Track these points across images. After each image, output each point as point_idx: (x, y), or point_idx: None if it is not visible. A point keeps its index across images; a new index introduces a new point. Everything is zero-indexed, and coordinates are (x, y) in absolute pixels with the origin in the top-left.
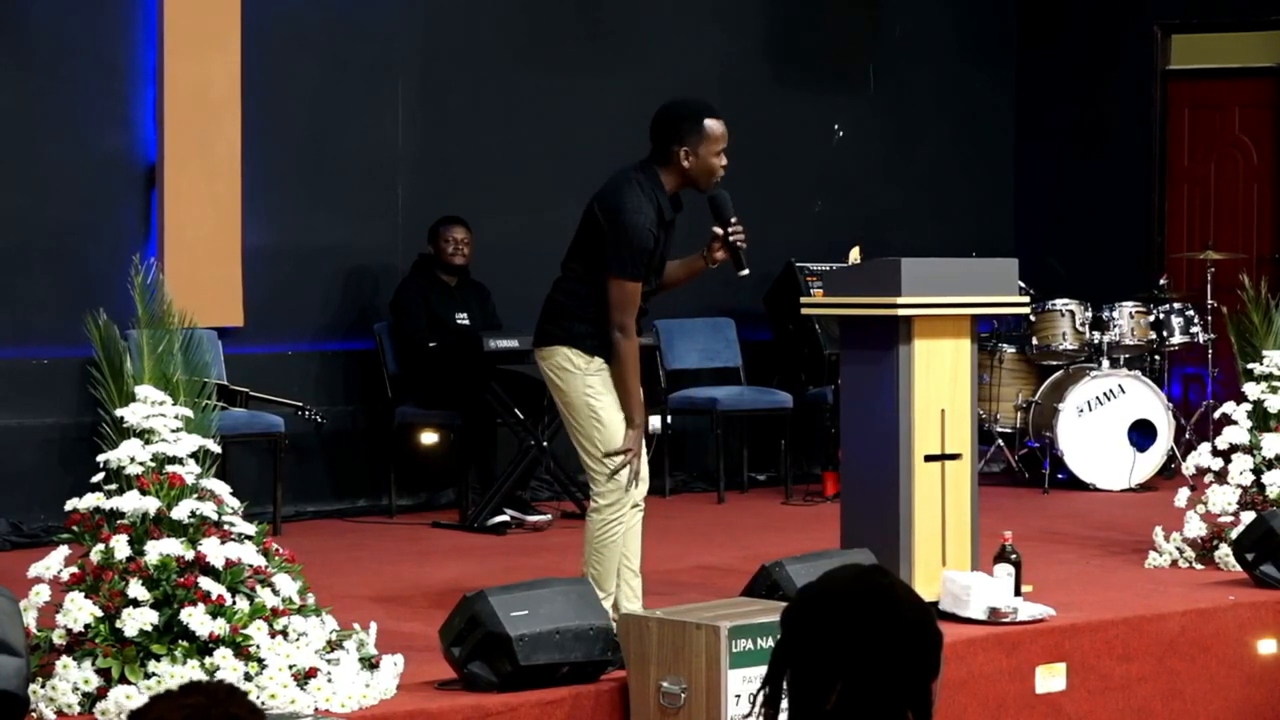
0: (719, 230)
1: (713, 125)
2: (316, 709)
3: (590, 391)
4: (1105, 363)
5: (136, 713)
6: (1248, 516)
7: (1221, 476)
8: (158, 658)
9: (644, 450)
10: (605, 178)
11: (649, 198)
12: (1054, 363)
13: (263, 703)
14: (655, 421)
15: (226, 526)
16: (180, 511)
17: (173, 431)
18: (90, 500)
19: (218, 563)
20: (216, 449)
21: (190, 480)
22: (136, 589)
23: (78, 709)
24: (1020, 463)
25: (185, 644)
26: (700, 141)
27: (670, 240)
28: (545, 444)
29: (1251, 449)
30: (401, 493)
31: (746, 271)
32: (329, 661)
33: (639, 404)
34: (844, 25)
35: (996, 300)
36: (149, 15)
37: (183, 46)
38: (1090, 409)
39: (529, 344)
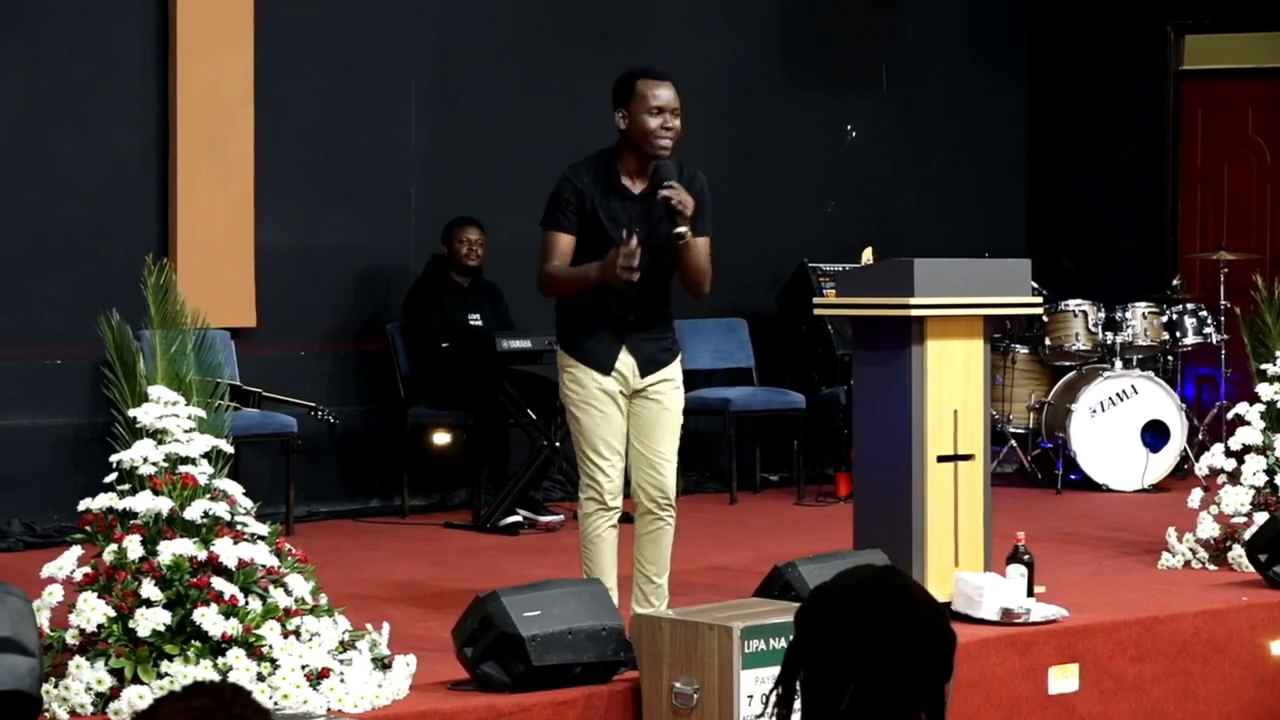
0: (664, 193)
1: (643, 84)
2: (329, 709)
3: (566, 388)
4: (1118, 363)
5: (142, 715)
6: (1261, 517)
7: (1234, 477)
8: (170, 658)
9: (663, 454)
10: None
11: (590, 163)
12: (1067, 363)
13: (275, 703)
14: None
15: (239, 527)
16: (193, 512)
17: (185, 432)
18: (103, 500)
19: (230, 563)
20: (229, 449)
21: (203, 480)
22: (149, 589)
23: (90, 709)
24: (1033, 463)
25: (198, 644)
26: (631, 100)
27: (639, 220)
28: (558, 444)
29: (1265, 450)
30: (414, 493)
31: (681, 230)
32: (342, 662)
33: (592, 267)
34: (857, 25)
35: (1009, 301)
36: (161, 15)
37: (195, 47)
38: (1103, 409)
39: (542, 345)
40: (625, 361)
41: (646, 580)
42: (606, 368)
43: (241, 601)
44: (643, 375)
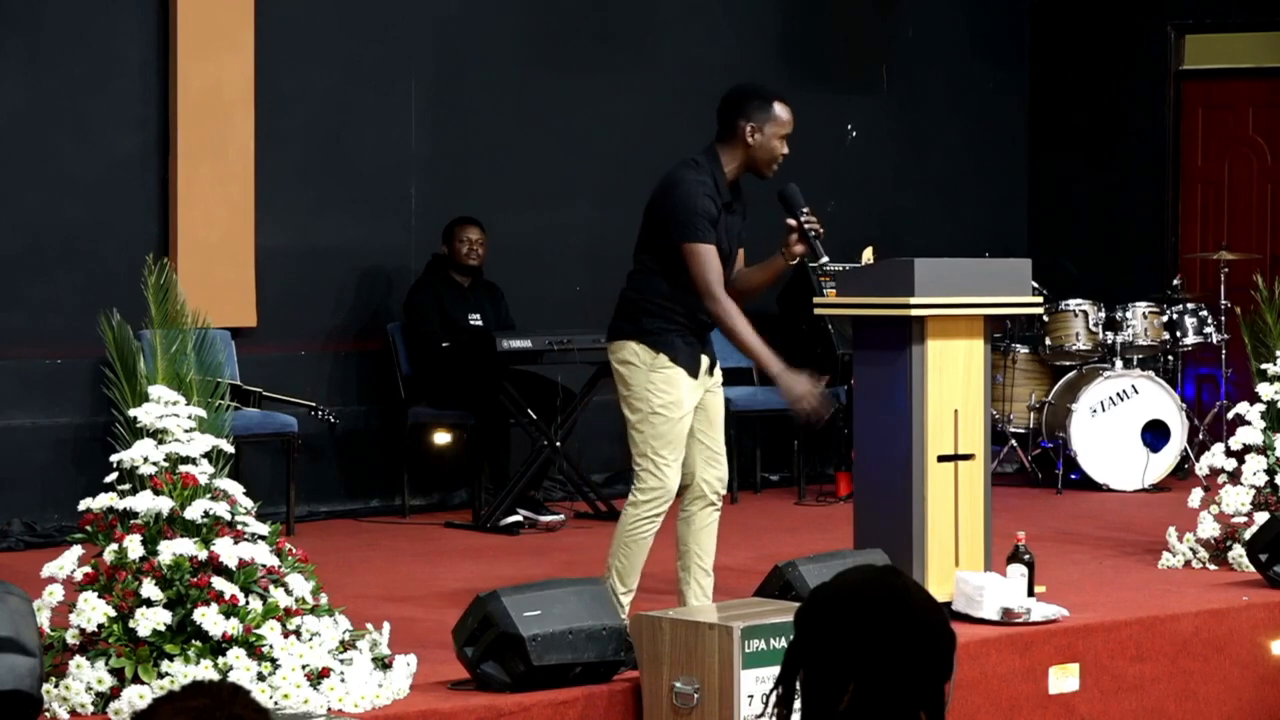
0: (793, 222)
1: (781, 108)
2: (329, 709)
3: (652, 388)
4: (1118, 363)
5: (141, 715)
6: (1261, 517)
7: (1235, 477)
8: (171, 657)
9: (721, 448)
10: (618, 178)
11: (704, 171)
12: (1067, 363)
13: (275, 703)
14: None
15: (240, 526)
16: (193, 511)
17: (186, 432)
18: (104, 500)
19: (231, 563)
20: (230, 449)
21: (203, 480)
22: (150, 589)
23: (91, 709)
24: (1033, 463)
25: (198, 644)
26: (767, 120)
27: (736, 232)
28: (558, 444)
29: (1265, 449)
30: (414, 493)
31: (826, 260)
32: (342, 661)
33: (767, 353)
34: (857, 25)
35: (1010, 300)
36: (161, 15)
37: (196, 47)
38: (1103, 409)
39: (543, 344)
40: (704, 363)
41: (704, 573)
42: (697, 371)
43: (242, 601)
44: (710, 373)
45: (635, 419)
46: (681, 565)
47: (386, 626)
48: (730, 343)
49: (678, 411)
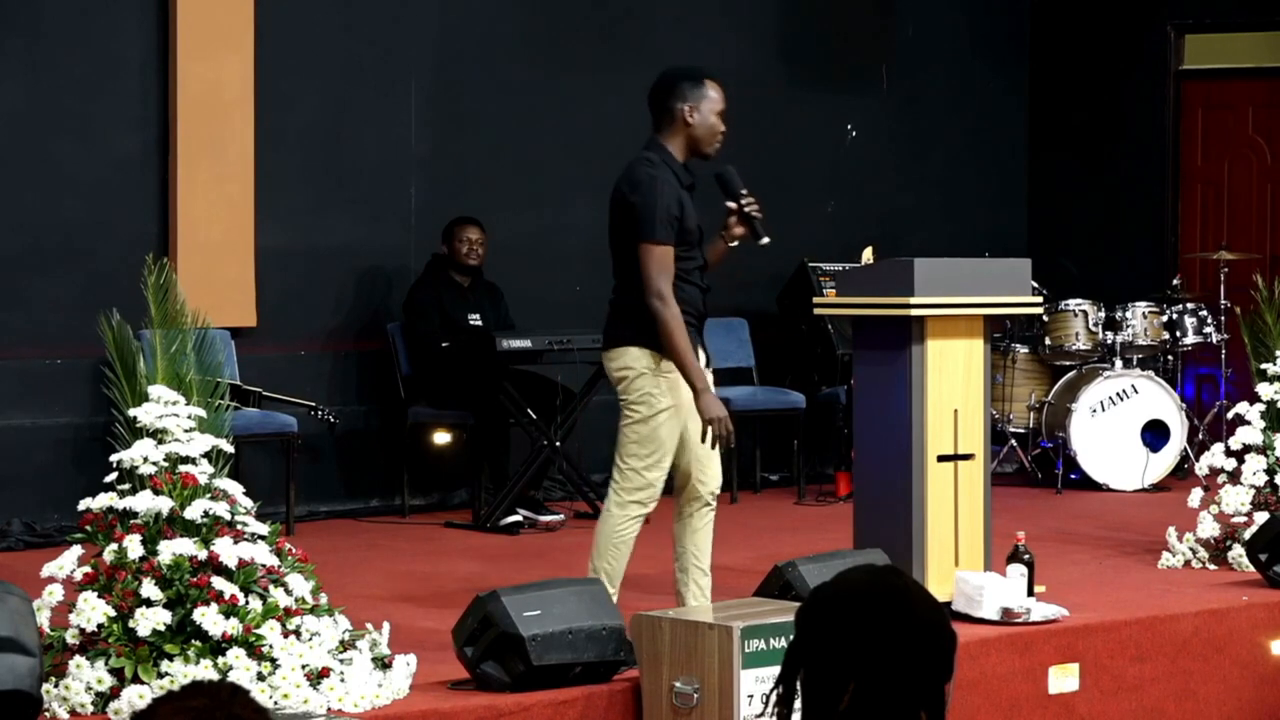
0: (732, 205)
1: (711, 85)
2: (329, 709)
3: (657, 392)
4: (1118, 363)
5: (140, 715)
6: (1261, 517)
7: (1235, 477)
8: (171, 657)
9: (716, 447)
10: (617, 176)
11: (661, 166)
12: (1067, 363)
13: (275, 703)
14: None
15: (239, 526)
16: (193, 511)
17: (186, 431)
18: (103, 500)
19: (231, 562)
20: (229, 449)
21: (203, 480)
22: (149, 589)
23: (90, 708)
24: (1033, 463)
25: (198, 644)
26: (702, 98)
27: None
28: (558, 444)
29: (1265, 449)
30: (414, 493)
31: (767, 240)
32: (342, 661)
33: (698, 370)
34: (857, 25)
35: (1009, 300)
36: (161, 15)
37: (195, 46)
38: (1103, 409)
39: (542, 344)
40: (702, 358)
41: (703, 574)
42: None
43: (242, 601)
44: (706, 368)
45: (633, 421)
46: (679, 566)
47: (386, 626)
48: (663, 346)
49: (679, 414)
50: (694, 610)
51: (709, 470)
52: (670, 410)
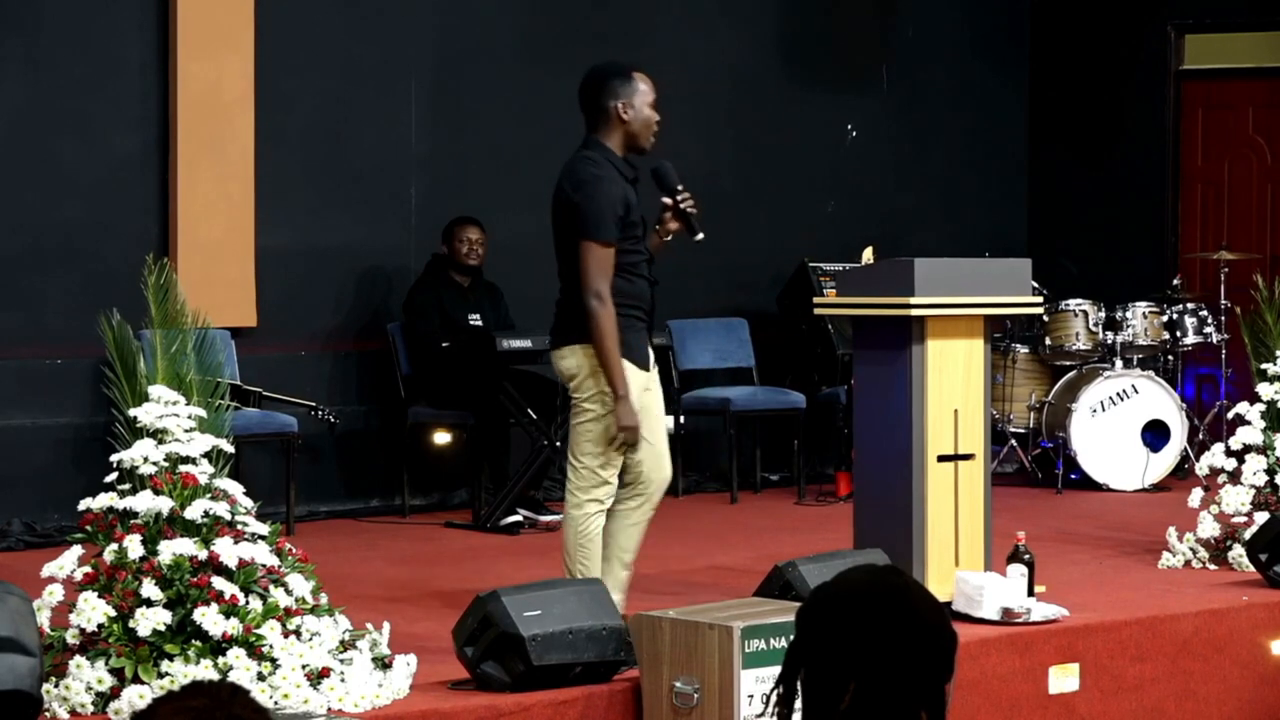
0: (668, 200)
1: (640, 77)
2: (329, 709)
3: (605, 390)
4: (1118, 363)
5: (140, 715)
6: (1261, 517)
7: (1235, 477)
8: (171, 657)
9: (665, 447)
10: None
11: (604, 165)
12: (1067, 363)
13: (275, 703)
14: (668, 421)
15: (240, 526)
16: (193, 511)
17: (186, 431)
18: (103, 500)
19: (231, 562)
20: (230, 449)
21: (203, 480)
22: (150, 589)
23: (91, 708)
24: (1033, 463)
25: (198, 644)
26: (634, 93)
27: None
28: (558, 444)
29: (1265, 449)
30: (414, 493)
31: (701, 236)
32: (342, 661)
33: (621, 375)
34: (857, 25)
35: (1010, 300)
36: (162, 15)
37: (196, 46)
38: (1103, 409)
39: (542, 344)
40: (650, 354)
41: (625, 567)
42: (647, 363)
43: (242, 601)
44: (651, 367)
45: (587, 419)
46: (603, 556)
47: (386, 626)
48: (593, 348)
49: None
50: (694, 610)
51: (660, 472)
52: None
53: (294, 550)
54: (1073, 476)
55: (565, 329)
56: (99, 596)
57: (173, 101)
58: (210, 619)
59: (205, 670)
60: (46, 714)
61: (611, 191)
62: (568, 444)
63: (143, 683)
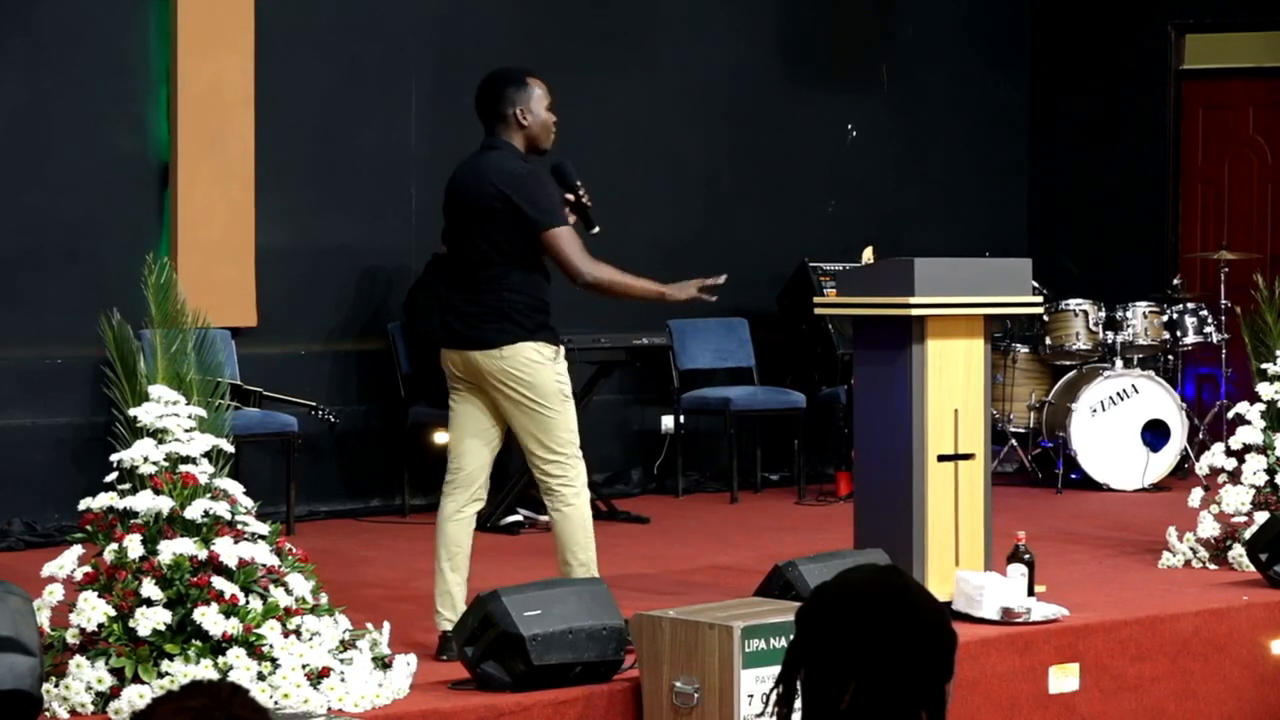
0: (570, 196)
1: (534, 81)
2: (329, 708)
3: (559, 379)
4: (1119, 363)
5: (140, 715)
6: (1261, 516)
7: (1235, 477)
8: (171, 657)
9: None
10: (618, 178)
11: (524, 158)
12: (1067, 363)
13: (275, 702)
14: (668, 421)
15: (240, 526)
16: (193, 511)
17: (186, 431)
18: (103, 500)
19: (231, 562)
20: (230, 449)
21: (203, 480)
22: (150, 588)
23: (91, 708)
24: (1033, 463)
25: (198, 643)
26: (530, 98)
27: None
28: None
29: (1265, 449)
30: (415, 492)
31: (597, 230)
32: (342, 661)
33: (654, 286)
34: (857, 25)
35: (1010, 300)
36: (162, 14)
37: (196, 46)
38: (1103, 409)
39: None
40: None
41: (467, 570)
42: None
43: (242, 601)
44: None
45: (547, 414)
46: (452, 566)
47: (386, 626)
48: (628, 298)
49: (571, 396)
50: (694, 610)
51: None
52: (569, 393)
53: (294, 550)
54: (1073, 476)
55: (499, 327)
56: (99, 596)
57: (173, 101)
58: (210, 619)
59: (205, 670)
60: (46, 714)
61: (548, 180)
62: (534, 448)
63: (143, 682)
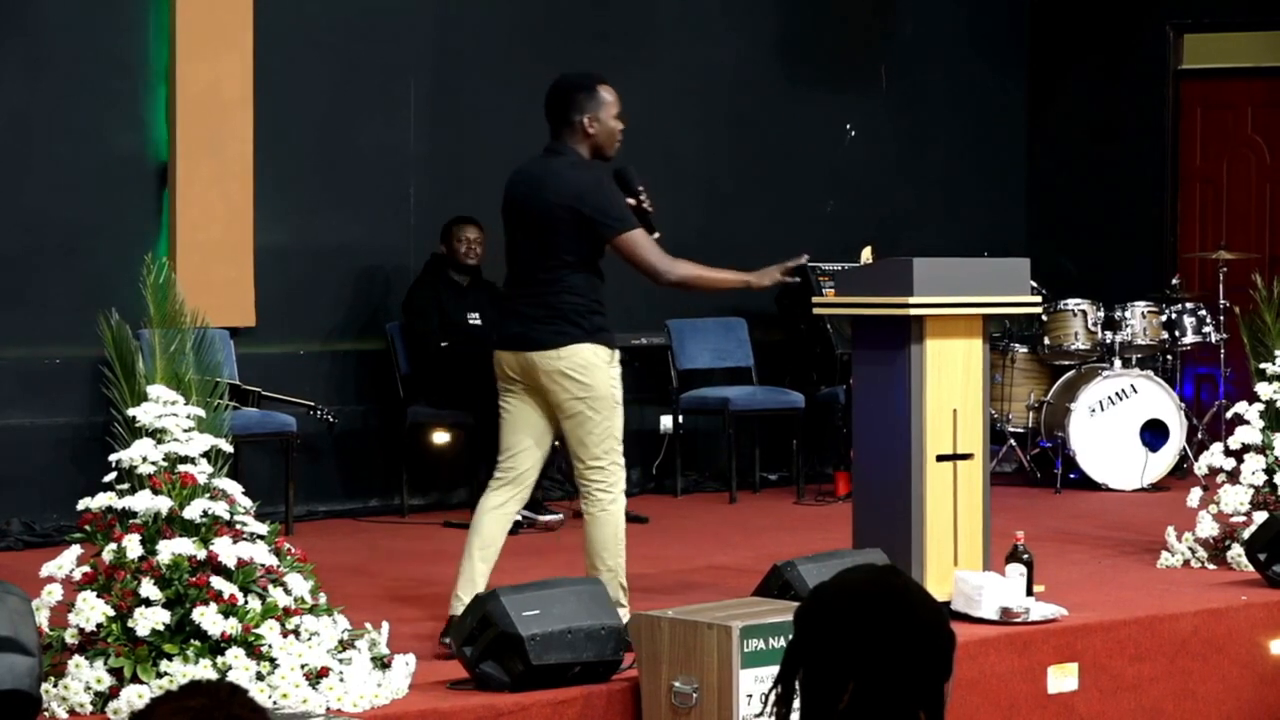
0: (631, 201)
1: (605, 90)
2: (328, 708)
3: (613, 383)
4: (1117, 362)
5: (139, 715)
6: (1260, 516)
7: (1234, 476)
8: (170, 657)
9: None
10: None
11: (589, 165)
12: (1066, 362)
13: (274, 702)
14: (667, 421)
15: (239, 526)
16: (192, 511)
17: (185, 431)
18: (102, 500)
19: (230, 562)
20: (229, 449)
21: (202, 480)
22: (148, 588)
23: (90, 708)
24: (1032, 463)
25: (197, 643)
26: (600, 107)
27: None
28: (557, 444)
29: (1264, 449)
30: (413, 492)
31: (657, 235)
32: (341, 661)
33: (738, 275)
34: (856, 25)
35: (1009, 300)
36: (161, 14)
37: (195, 46)
38: (1102, 409)
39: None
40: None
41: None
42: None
43: (241, 601)
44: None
45: (596, 418)
46: (483, 556)
47: (385, 626)
48: (713, 291)
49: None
50: (693, 610)
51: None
52: (620, 399)
53: (293, 550)
54: (1071, 476)
55: (559, 329)
56: (98, 596)
57: (172, 101)
58: (209, 619)
59: (204, 670)
60: (45, 714)
61: (608, 183)
62: (578, 449)
63: (141, 682)
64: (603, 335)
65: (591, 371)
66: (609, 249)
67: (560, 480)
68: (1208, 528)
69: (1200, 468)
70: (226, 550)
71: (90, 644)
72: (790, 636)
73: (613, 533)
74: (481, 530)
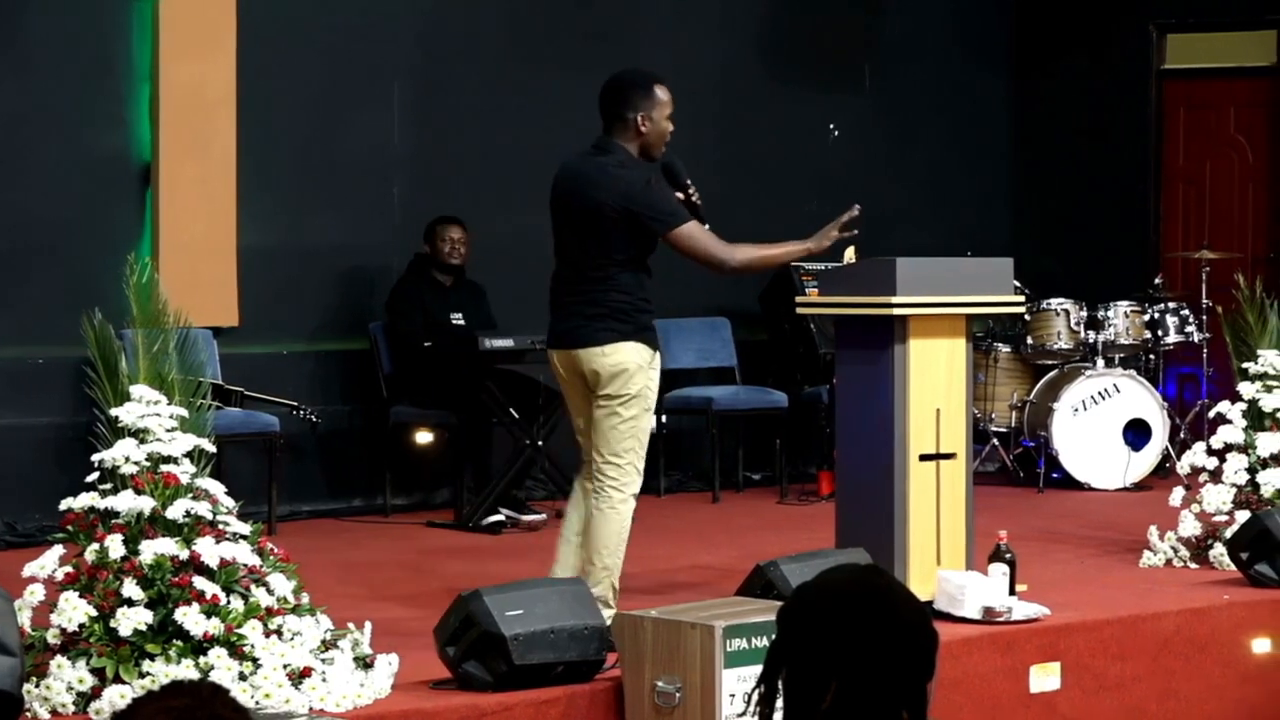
0: (679, 195)
1: (661, 90)
2: (311, 708)
3: (650, 384)
4: (1100, 362)
5: (121, 715)
6: (1242, 516)
7: (1216, 476)
8: (152, 657)
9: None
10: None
11: (636, 164)
12: (1049, 362)
13: (257, 702)
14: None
15: (221, 526)
16: (175, 511)
17: (168, 431)
18: (85, 500)
19: (212, 562)
20: (211, 448)
21: (185, 480)
22: (131, 588)
23: (72, 708)
24: (1015, 462)
25: (180, 643)
26: (653, 106)
27: None
28: (540, 443)
29: (1246, 448)
30: (397, 492)
31: (706, 227)
32: (324, 661)
33: (798, 246)
34: (840, 24)
35: (992, 300)
36: (145, 15)
37: (179, 46)
38: (1085, 408)
39: (525, 344)
40: (658, 359)
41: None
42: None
43: (223, 601)
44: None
45: (627, 417)
46: (573, 541)
47: (368, 626)
48: (778, 267)
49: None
50: (676, 610)
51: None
52: (654, 401)
53: (276, 550)
54: (1054, 475)
55: (604, 326)
56: (80, 596)
57: (155, 101)
58: (192, 619)
59: (186, 670)
60: (27, 714)
61: (654, 181)
62: (600, 443)
63: (124, 682)
64: (647, 334)
65: (631, 371)
66: (663, 244)
67: (543, 480)
68: (1190, 527)
69: (1183, 467)
70: (209, 550)
71: (73, 644)
72: (773, 636)
73: (616, 531)
74: (577, 515)
